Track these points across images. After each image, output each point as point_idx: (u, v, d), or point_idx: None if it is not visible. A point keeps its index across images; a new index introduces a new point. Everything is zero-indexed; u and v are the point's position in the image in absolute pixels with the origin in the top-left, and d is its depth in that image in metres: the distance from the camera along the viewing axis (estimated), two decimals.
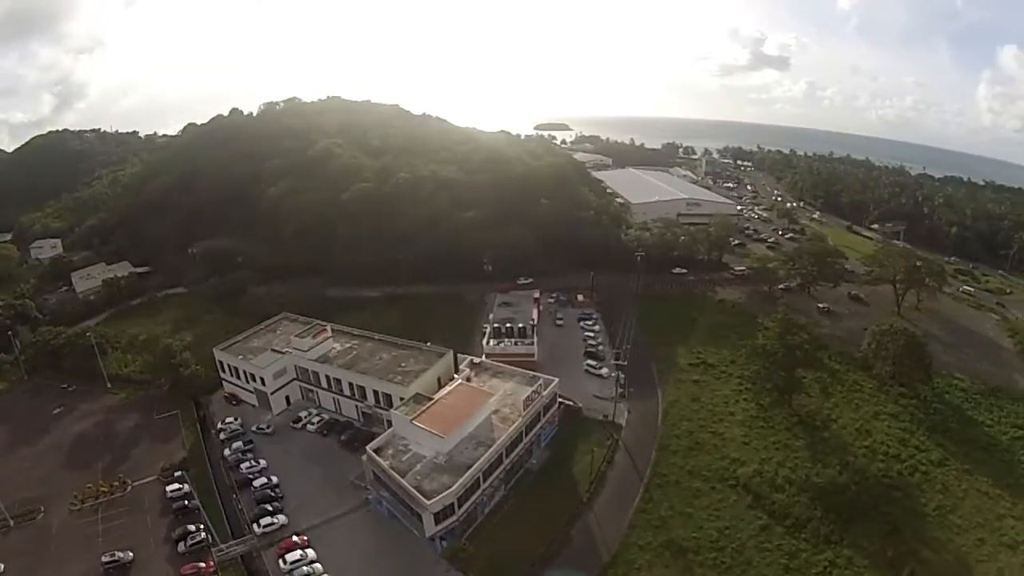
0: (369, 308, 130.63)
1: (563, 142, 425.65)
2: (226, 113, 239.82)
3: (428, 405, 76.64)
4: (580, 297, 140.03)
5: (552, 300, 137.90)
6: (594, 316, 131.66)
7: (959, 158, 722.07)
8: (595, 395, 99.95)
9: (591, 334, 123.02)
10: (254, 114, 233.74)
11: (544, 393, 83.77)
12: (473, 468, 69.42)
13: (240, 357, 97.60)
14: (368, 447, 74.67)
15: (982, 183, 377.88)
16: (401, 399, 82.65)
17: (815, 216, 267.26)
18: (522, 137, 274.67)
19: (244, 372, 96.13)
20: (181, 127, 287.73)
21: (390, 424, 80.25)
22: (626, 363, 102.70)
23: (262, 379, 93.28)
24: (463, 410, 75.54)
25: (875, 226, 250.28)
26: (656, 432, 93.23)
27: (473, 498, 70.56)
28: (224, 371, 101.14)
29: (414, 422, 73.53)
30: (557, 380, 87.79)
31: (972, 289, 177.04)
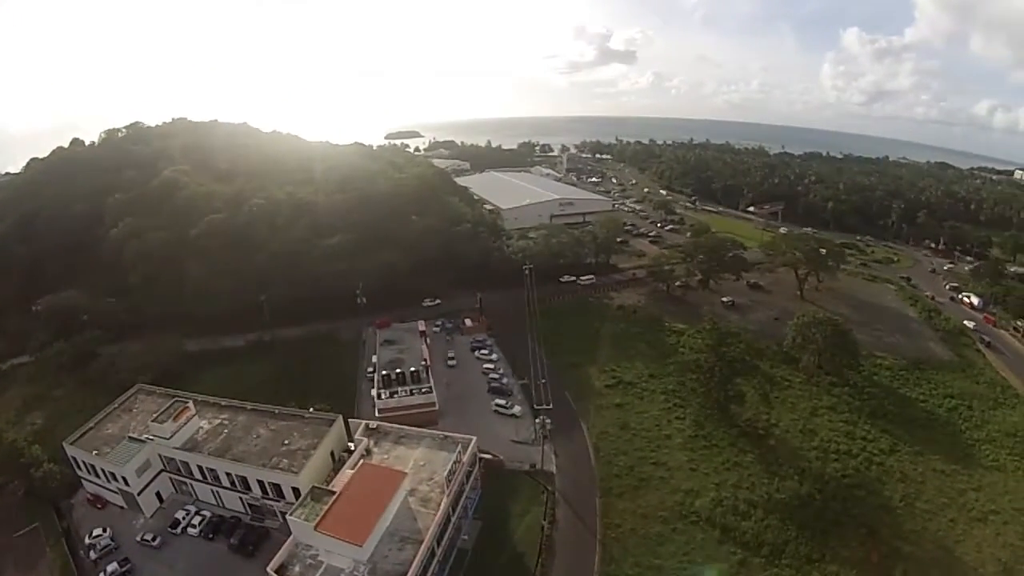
0: (234, 361, 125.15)
1: (416, 150, 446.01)
2: (67, 144, 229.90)
3: (332, 502, 68.70)
4: (468, 322, 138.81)
5: (438, 329, 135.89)
6: (488, 343, 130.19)
7: (809, 134, 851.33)
8: (513, 440, 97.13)
9: (490, 365, 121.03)
10: (96, 143, 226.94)
11: (465, 459, 79.68)
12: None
13: (94, 452, 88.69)
14: (270, 568, 65.39)
15: (840, 156, 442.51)
16: (294, 490, 76.44)
17: (689, 204, 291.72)
18: (375, 148, 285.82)
19: (102, 470, 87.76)
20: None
21: (284, 517, 72.94)
22: (550, 406, 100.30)
23: (124, 478, 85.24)
24: (375, 501, 68.91)
25: (751, 208, 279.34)
26: (593, 474, 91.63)
27: None
28: (80, 468, 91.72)
29: (319, 530, 65.90)
30: (475, 439, 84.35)
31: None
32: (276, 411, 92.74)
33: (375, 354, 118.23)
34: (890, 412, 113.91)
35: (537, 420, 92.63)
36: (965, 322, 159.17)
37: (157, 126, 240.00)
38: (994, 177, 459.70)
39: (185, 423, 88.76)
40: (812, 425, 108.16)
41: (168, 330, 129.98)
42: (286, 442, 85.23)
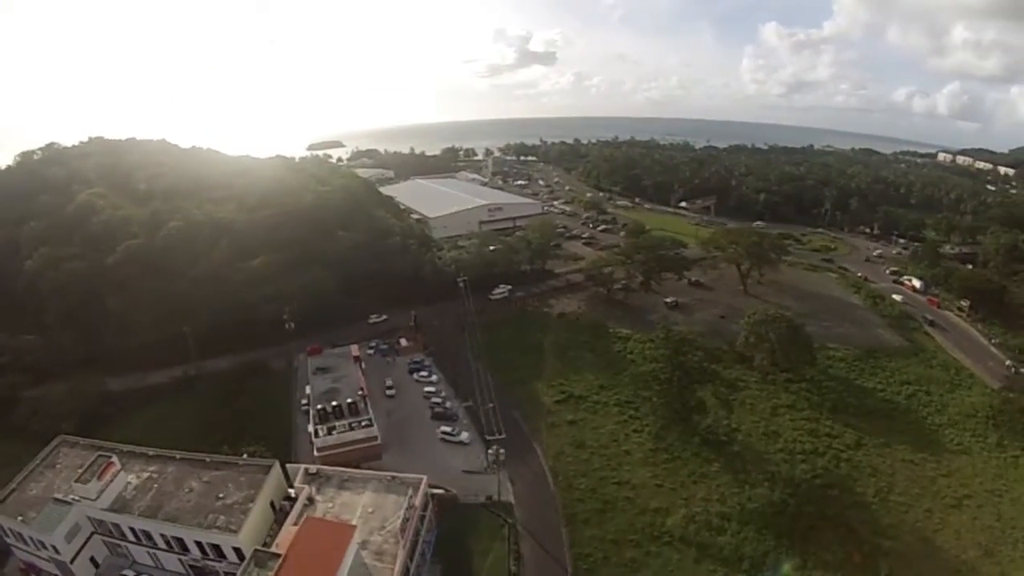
0: (160, 401, 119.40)
1: (339, 160, 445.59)
2: None
3: (278, 568, 63.21)
4: (404, 341, 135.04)
5: (372, 351, 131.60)
6: (427, 364, 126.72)
7: (731, 127, 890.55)
8: (464, 471, 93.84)
9: (431, 388, 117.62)
10: (12, 167, 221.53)
11: (418, 503, 75.84)
12: None
13: (19, 518, 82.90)
14: None
15: (765, 147, 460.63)
16: (235, 549, 72.10)
17: (620, 203, 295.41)
18: (297, 160, 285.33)
19: (30, 538, 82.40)
20: None
21: None
22: (503, 435, 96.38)
23: (53, 546, 80.00)
24: (326, 562, 63.59)
25: (683, 204, 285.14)
26: (554, 501, 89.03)
27: None
28: (8, 536, 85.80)
29: None
30: (425, 478, 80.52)
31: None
32: (207, 459, 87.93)
33: (308, 384, 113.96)
34: (850, 405, 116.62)
35: (490, 451, 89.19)
36: (894, 296, 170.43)
37: (74, 146, 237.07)
38: (919, 160, 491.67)
39: (111, 480, 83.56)
40: (774, 426, 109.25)
41: (90, 368, 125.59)
42: (221, 495, 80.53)
